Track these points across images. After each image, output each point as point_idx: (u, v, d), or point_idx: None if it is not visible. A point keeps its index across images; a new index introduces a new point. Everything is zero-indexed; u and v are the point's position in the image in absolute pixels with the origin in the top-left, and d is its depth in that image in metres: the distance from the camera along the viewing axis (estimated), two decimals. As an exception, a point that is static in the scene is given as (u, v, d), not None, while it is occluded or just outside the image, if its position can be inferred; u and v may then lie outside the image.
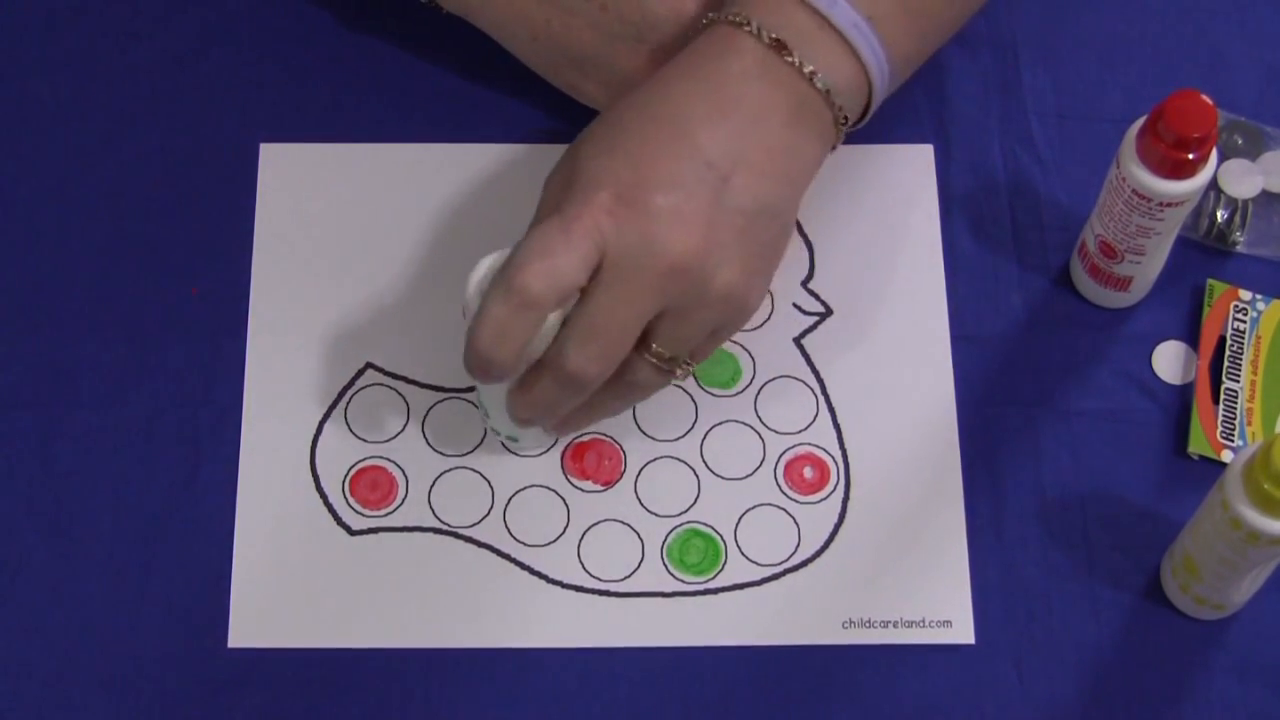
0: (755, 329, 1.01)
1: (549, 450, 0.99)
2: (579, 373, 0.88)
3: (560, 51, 1.00)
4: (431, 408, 1.00)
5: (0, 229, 1.03)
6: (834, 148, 0.95)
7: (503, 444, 0.98)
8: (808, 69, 0.91)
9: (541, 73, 1.02)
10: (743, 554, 0.97)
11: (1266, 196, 1.04)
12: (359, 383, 1.00)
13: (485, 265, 0.90)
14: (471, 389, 1.00)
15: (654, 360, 0.90)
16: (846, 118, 0.93)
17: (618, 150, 0.89)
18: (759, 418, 1.00)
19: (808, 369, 1.01)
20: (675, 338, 0.90)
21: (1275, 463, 0.85)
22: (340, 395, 1.00)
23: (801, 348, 1.01)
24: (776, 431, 1.00)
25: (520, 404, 0.91)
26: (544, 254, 0.86)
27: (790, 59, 0.91)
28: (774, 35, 0.91)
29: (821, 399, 1.00)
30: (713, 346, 0.93)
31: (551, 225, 0.87)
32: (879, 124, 1.02)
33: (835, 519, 0.98)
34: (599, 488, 0.98)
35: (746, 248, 0.90)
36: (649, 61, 0.98)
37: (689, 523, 0.98)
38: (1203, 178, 0.93)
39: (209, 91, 1.06)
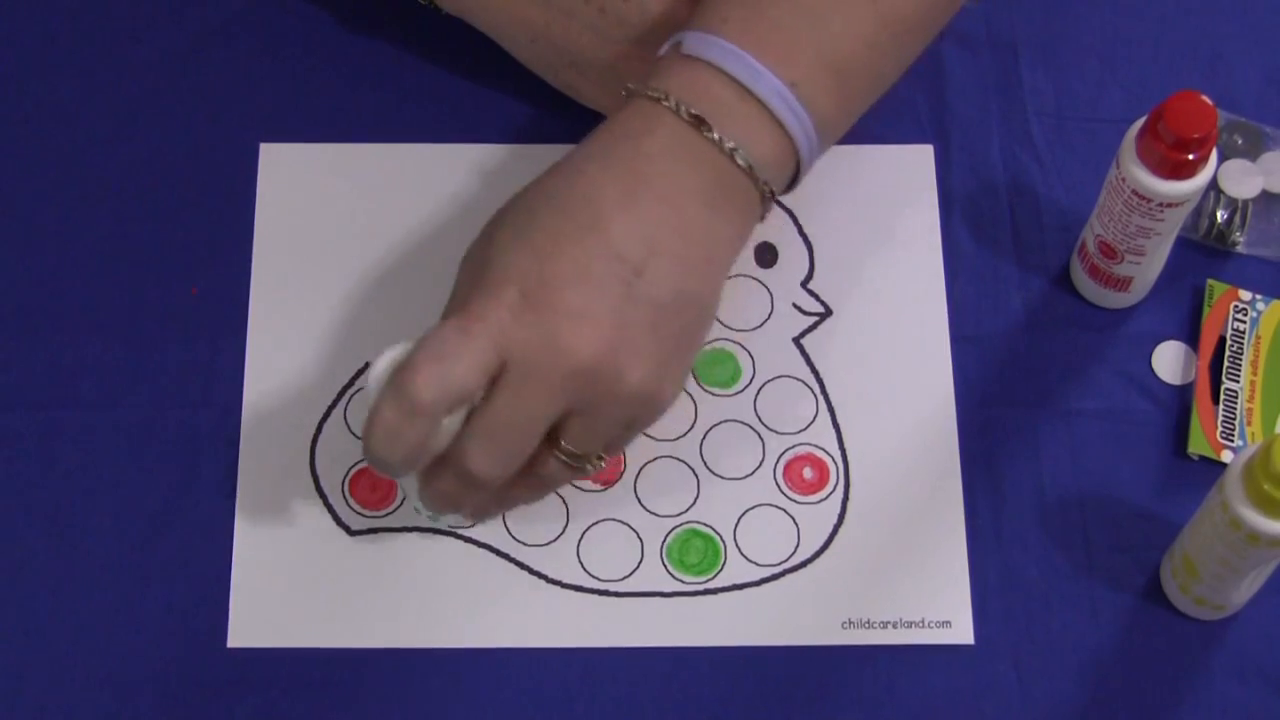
0: (754, 329, 1.01)
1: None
2: (479, 473, 0.86)
3: (559, 53, 1.00)
4: (431, 408, 1.00)
5: (0, 229, 1.03)
6: (762, 218, 0.92)
7: (428, 519, 0.97)
8: (728, 145, 0.88)
9: (540, 74, 1.02)
10: (742, 554, 0.97)
11: (1266, 197, 1.04)
12: (358, 382, 1.00)
13: (387, 358, 0.87)
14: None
15: (563, 457, 0.88)
16: (772, 190, 0.90)
17: (526, 243, 0.86)
18: (758, 418, 1.00)
19: (807, 369, 1.01)
20: (584, 436, 0.88)
21: (1275, 463, 0.85)
22: (340, 395, 1.00)
23: (801, 347, 1.01)
24: (776, 431, 1.00)
25: (426, 496, 0.90)
26: (439, 358, 0.83)
27: (710, 135, 0.88)
28: (692, 110, 0.88)
29: (821, 399, 1.00)
30: (628, 440, 0.91)
31: (450, 327, 0.84)
32: (879, 124, 1.02)
33: (835, 519, 0.98)
34: (598, 487, 0.98)
35: (659, 342, 0.87)
36: (647, 63, 0.98)
37: (688, 523, 0.98)
38: (1202, 178, 0.93)
39: (209, 91, 1.06)
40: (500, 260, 0.86)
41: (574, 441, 0.88)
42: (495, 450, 0.85)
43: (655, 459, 0.99)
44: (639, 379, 0.86)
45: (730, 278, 1.02)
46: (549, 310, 0.84)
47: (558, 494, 0.98)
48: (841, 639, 0.96)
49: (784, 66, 0.89)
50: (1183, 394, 1.00)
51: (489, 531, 0.97)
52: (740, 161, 0.88)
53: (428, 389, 0.83)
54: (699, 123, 0.88)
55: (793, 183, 0.93)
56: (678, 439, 0.99)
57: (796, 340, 1.01)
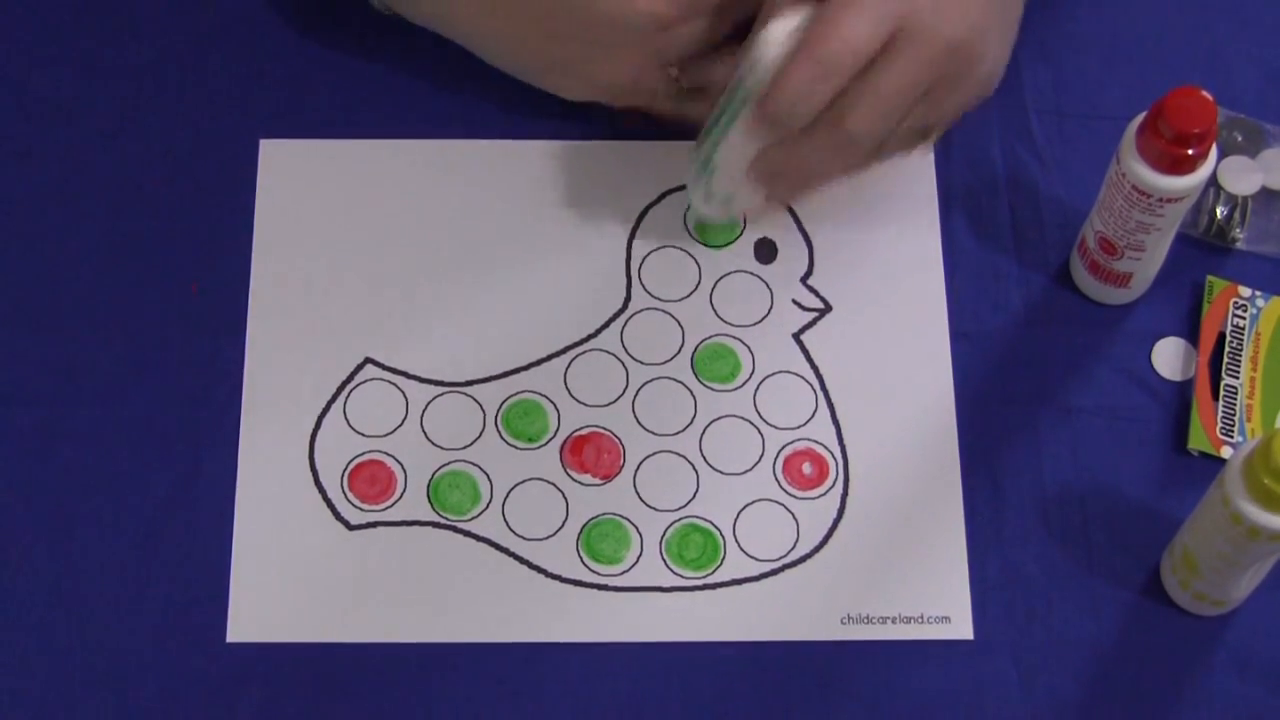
0: (754, 324, 1.01)
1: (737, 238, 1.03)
2: (860, 132, 0.92)
3: (534, 59, 1.00)
4: (430, 402, 1.00)
5: (0, 229, 1.03)
6: None
7: (702, 211, 1.00)
8: None
9: (523, 79, 1.02)
10: (741, 549, 0.97)
11: (1266, 193, 1.04)
12: (358, 377, 1.00)
13: (783, 26, 0.91)
14: (473, 383, 1.00)
15: (911, 127, 0.94)
16: None
17: None
18: (758, 413, 1.00)
19: (807, 365, 1.01)
20: (936, 111, 0.94)
21: (1275, 458, 0.85)
22: (339, 390, 1.00)
23: (801, 343, 1.01)
24: (775, 427, 1.00)
25: (782, 157, 0.94)
26: (846, 24, 0.89)
27: None
28: None
29: (820, 395, 1.00)
30: (955, 118, 0.97)
31: None
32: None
33: (834, 515, 0.98)
34: (598, 481, 0.98)
35: (1005, 27, 0.95)
36: (631, 65, 0.98)
37: (688, 517, 0.98)
38: (1202, 174, 0.93)
39: (209, 89, 1.06)
40: None
41: (924, 114, 0.94)
42: (878, 112, 0.91)
43: (654, 454, 0.99)
44: (995, 58, 0.95)
45: (729, 274, 1.03)
46: None
47: (556, 487, 0.98)
48: (841, 634, 0.96)
49: None
50: (1183, 390, 1.00)
51: (487, 525, 0.97)
52: None
53: (845, 52, 0.89)
54: None
55: None
56: (677, 433, 0.99)
57: (796, 336, 1.01)
